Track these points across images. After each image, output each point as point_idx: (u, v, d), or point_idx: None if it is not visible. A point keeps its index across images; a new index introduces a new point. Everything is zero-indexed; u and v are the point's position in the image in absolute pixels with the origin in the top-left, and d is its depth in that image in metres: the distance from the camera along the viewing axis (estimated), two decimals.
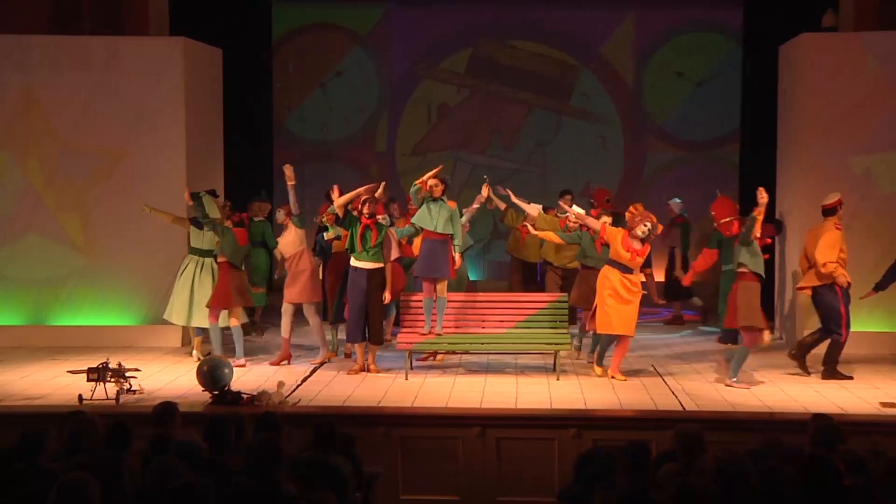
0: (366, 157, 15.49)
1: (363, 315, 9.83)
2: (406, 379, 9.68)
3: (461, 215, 10.21)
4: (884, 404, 8.66)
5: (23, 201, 11.84)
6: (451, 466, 8.21)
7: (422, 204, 9.79)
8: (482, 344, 10.13)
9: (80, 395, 8.61)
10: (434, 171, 9.85)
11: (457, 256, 9.84)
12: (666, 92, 15.29)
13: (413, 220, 9.97)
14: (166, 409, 6.58)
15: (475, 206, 10.76)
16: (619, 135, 15.41)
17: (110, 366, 8.76)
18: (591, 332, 10.14)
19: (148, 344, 11.48)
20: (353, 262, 9.82)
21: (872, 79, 11.41)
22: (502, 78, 15.45)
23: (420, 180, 9.79)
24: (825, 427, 6.10)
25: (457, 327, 10.08)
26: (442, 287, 9.82)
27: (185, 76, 11.92)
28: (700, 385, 9.46)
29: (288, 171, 10.31)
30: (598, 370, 9.81)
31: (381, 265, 9.83)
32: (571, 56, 15.37)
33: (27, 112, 11.77)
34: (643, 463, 5.37)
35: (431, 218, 9.72)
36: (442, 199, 9.75)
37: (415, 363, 10.20)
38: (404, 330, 10.11)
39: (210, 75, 12.79)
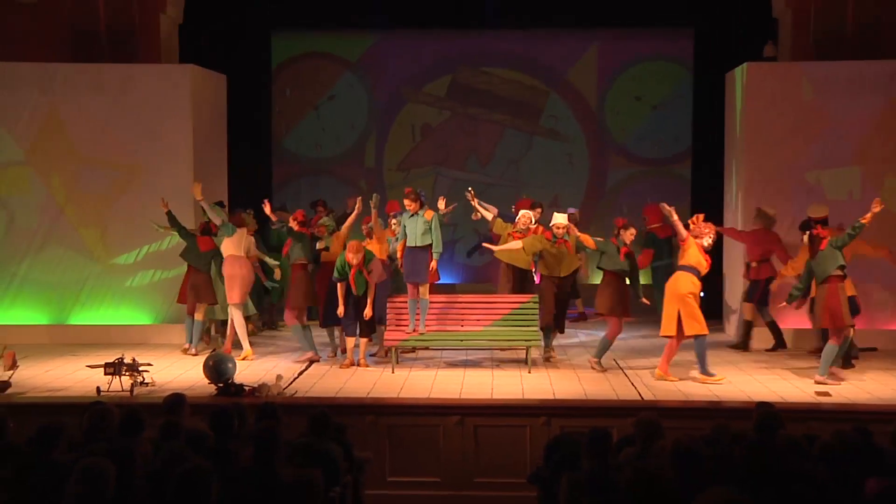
0: (355, 172, 15.48)
1: (356, 312, 9.85)
2: (392, 372, 9.68)
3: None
4: (818, 393, 8.73)
5: (45, 213, 11.80)
6: (434, 451, 8.25)
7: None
8: (461, 340, 10.16)
9: (97, 388, 8.62)
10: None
11: (433, 263, 9.86)
12: (626, 114, 15.33)
13: (397, 236, 10.15)
14: (176, 400, 6.58)
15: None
16: (584, 152, 15.44)
17: (125, 361, 8.78)
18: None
19: (159, 341, 11.45)
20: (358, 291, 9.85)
21: (808, 103, 11.49)
22: (479, 101, 15.46)
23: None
24: (767, 414, 6.15)
25: (438, 326, 10.09)
26: (424, 290, 9.85)
27: (193, 100, 11.92)
28: None
29: (196, 189, 10.48)
30: (662, 373, 9.37)
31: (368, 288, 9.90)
32: (541, 82, 15.39)
33: (51, 131, 11.75)
34: (605, 448, 5.40)
35: (410, 233, 9.82)
36: (417, 214, 9.79)
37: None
38: (391, 328, 10.12)
39: (215, 99, 12.79)
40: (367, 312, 9.78)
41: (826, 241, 9.18)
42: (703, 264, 9.29)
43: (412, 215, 9.82)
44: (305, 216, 10.66)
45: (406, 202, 9.83)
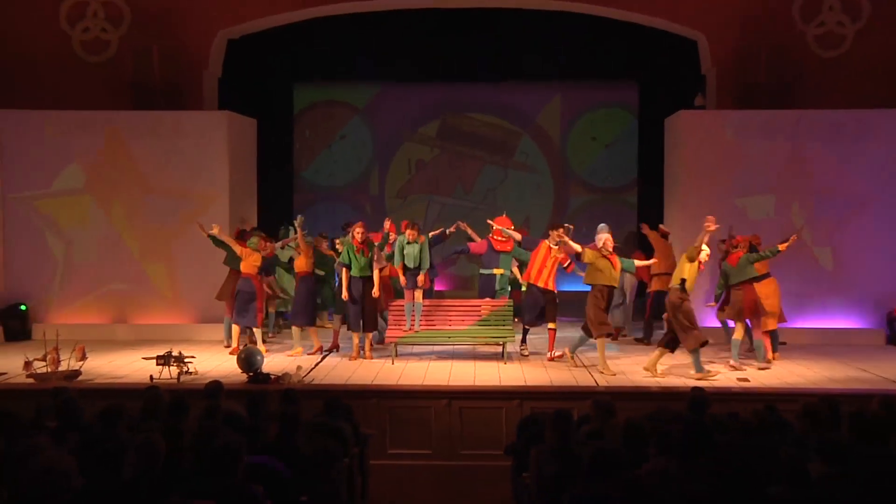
0: (362, 198, 15.51)
1: (360, 310, 9.86)
2: (392, 363, 9.67)
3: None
4: (739, 379, 8.77)
5: (106, 236, 11.83)
6: (426, 428, 8.24)
7: (400, 246, 9.91)
8: (449, 337, 10.11)
9: (151, 376, 8.60)
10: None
11: (421, 276, 9.84)
12: (584, 151, 15.40)
13: (395, 257, 10.00)
14: (215, 386, 6.57)
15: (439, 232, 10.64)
16: (550, 183, 15.50)
17: (173, 354, 8.77)
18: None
19: (201, 337, 11.42)
20: (353, 273, 9.82)
21: (729, 143, 11.59)
22: (464, 140, 15.50)
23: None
24: (698, 397, 6.19)
25: (430, 325, 10.08)
26: (418, 294, 9.88)
27: (229, 139, 11.94)
28: (610, 367, 9.35)
29: (215, 229, 10.57)
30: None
31: (370, 275, 9.84)
32: (514, 125, 15.45)
33: (115, 167, 11.79)
34: (567, 425, 5.41)
35: (408, 256, 9.84)
36: (416, 241, 9.85)
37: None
38: (391, 327, 10.11)
39: (247, 139, 12.81)
40: (375, 292, 9.78)
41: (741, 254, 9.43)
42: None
43: (410, 242, 9.86)
44: (240, 232, 10.96)
45: (409, 233, 9.83)
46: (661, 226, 11.55)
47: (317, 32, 13.39)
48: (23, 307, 11.71)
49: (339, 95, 15.55)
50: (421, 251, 9.86)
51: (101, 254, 11.83)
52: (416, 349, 10.56)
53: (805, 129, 11.50)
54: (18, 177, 11.79)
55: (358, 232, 9.86)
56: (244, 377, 8.68)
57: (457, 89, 15.31)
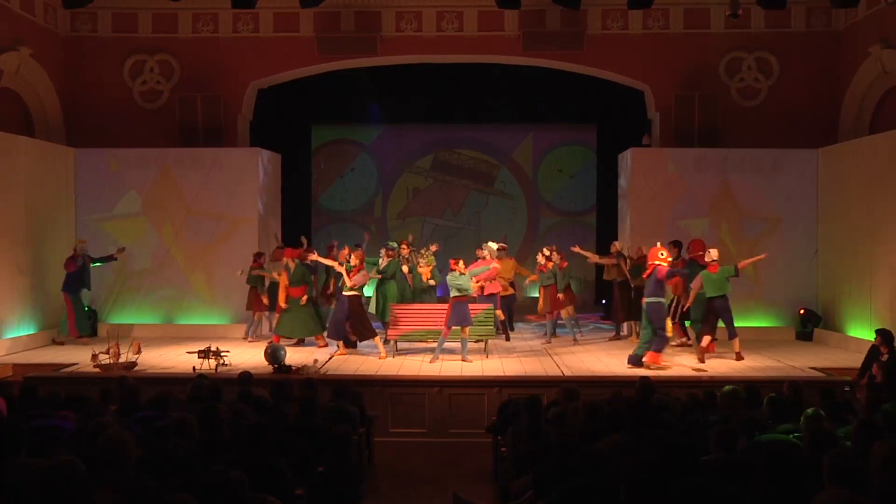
0: (368, 220, 15.55)
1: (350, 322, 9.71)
2: (393, 357, 9.64)
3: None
4: (695, 369, 8.76)
5: (158, 250, 11.79)
6: (421, 411, 8.23)
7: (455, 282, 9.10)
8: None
9: (193, 367, 8.57)
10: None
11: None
12: (552, 181, 15.51)
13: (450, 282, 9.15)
14: (246, 376, 6.59)
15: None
16: (524, 207, 15.59)
17: (211, 349, 8.76)
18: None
19: (234, 335, 11.36)
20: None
21: (670, 175, 11.67)
22: (452, 172, 15.60)
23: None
24: (645, 384, 6.22)
25: (426, 325, 9.94)
26: (467, 330, 9.29)
27: (260, 171, 11.95)
28: (573, 360, 9.46)
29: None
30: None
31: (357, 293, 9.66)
32: (494, 159, 15.58)
33: (165, 194, 11.77)
34: (537, 408, 5.44)
35: (464, 287, 9.09)
36: (465, 274, 9.17)
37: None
38: (391, 328, 9.94)
39: (274, 170, 12.80)
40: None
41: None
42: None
43: (461, 275, 9.10)
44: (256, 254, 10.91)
45: (458, 267, 9.12)
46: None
47: (331, 83, 13.43)
48: (86, 307, 11.66)
49: (349, 135, 15.62)
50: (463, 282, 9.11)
51: (153, 266, 11.79)
52: (413, 345, 10.52)
53: (731, 164, 11.61)
54: (89, 202, 11.80)
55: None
56: (270, 368, 8.68)
57: (447, 130, 15.41)
